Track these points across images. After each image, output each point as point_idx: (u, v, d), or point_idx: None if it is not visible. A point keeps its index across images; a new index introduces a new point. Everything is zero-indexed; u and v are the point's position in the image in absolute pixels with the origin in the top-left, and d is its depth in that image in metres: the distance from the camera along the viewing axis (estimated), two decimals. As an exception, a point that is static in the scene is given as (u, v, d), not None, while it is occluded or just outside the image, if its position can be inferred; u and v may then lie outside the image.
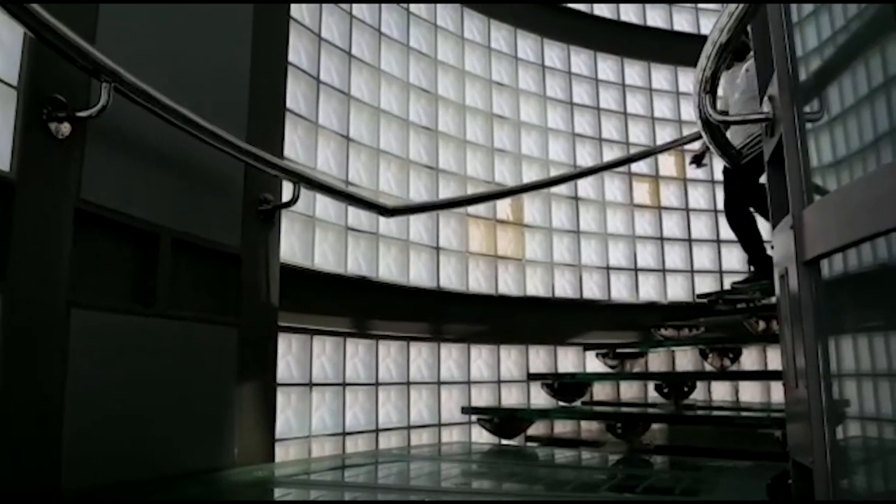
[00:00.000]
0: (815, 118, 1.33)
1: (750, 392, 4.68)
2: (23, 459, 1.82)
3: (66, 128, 2.01)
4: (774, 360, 4.66)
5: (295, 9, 3.48)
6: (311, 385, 3.39)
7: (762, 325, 4.08)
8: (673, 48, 5.58)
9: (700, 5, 5.88)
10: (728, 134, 4.25)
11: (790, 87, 1.34)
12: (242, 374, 2.75)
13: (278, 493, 2.44)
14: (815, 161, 1.31)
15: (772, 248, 1.71)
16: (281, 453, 3.08)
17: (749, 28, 1.69)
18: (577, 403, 4.07)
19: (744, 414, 3.52)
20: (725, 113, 3.76)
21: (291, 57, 3.41)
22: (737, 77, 4.32)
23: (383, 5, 4.23)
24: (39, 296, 1.92)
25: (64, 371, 1.97)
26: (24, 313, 1.84)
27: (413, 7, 4.44)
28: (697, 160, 4.82)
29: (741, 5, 1.45)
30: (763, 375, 4.39)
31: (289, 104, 3.35)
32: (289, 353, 3.27)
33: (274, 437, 2.97)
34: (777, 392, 4.38)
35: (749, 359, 4.63)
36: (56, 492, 1.91)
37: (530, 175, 4.89)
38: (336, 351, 3.57)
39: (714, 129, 1.79)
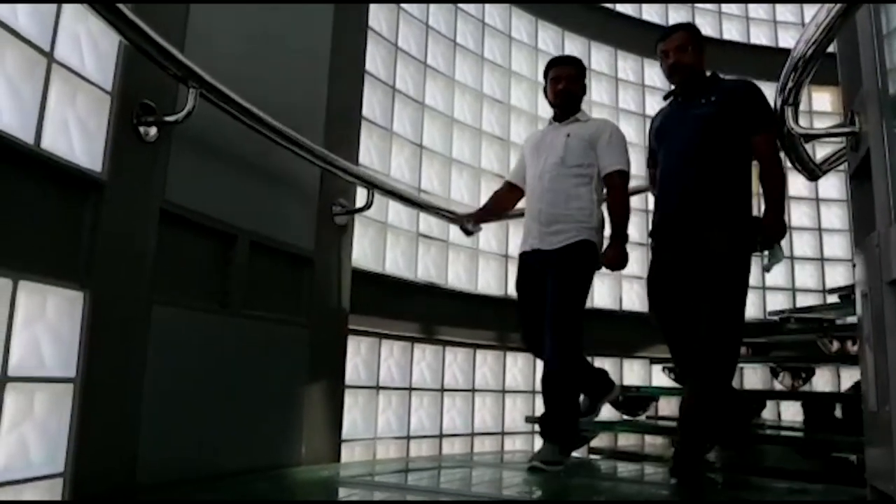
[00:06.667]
0: (906, 133, 1.29)
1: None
2: (102, 453, 1.89)
3: (153, 131, 2.10)
4: (848, 381, 4.51)
5: (373, 19, 3.55)
6: (378, 388, 3.43)
7: (836, 345, 3.95)
8: (747, 61, 5.47)
9: (778, 18, 5.77)
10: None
11: (879, 100, 1.31)
12: (312, 374, 2.81)
13: (343, 493, 2.48)
14: (905, 178, 1.28)
15: (853, 265, 1.67)
16: (347, 454, 3.13)
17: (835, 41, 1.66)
18: (642, 417, 4.02)
19: (816, 435, 3.41)
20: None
21: (368, 66, 3.48)
22: (554, 140, 3.06)
23: (460, 17, 4.27)
24: (124, 292, 2.01)
25: (143, 366, 2.04)
26: (108, 308, 1.93)
27: (488, 19, 4.48)
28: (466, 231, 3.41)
29: (829, 17, 1.43)
30: (837, 397, 4.25)
31: (365, 112, 3.42)
32: (357, 356, 3.32)
33: (340, 437, 3.03)
34: (850, 415, 4.23)
35: (821, 379, 4.50)
36: (131, 485, 1.98)
37: (601, 186, 4.85)
38: (403, 355, 3.62)
39: (795, 143, 1.77)
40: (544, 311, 2.87)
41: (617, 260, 2.92)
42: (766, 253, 2.50)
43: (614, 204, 2.97)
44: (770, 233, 2.49)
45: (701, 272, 2.51)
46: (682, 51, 2.72)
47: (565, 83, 3.11)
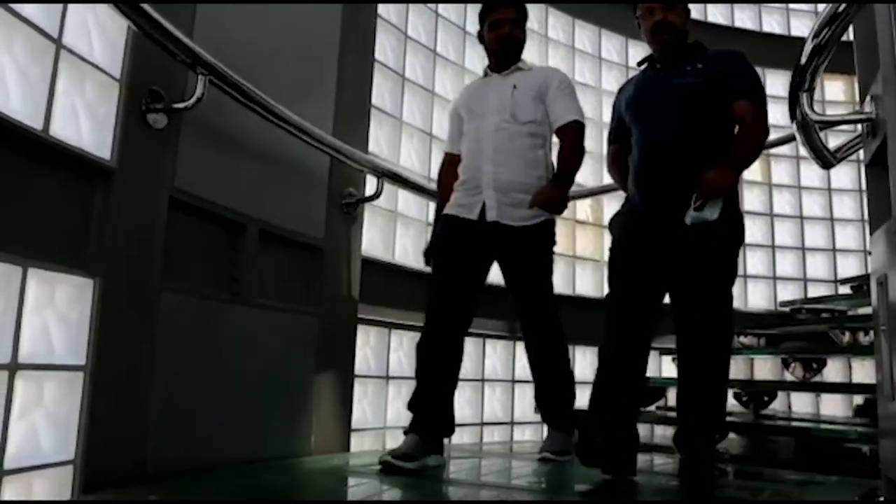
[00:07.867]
0: (924, 119, 1.27)
1: (832, 405, 4.52)
2: (112, 441, 1.89)
3: (162, 119, 2.09)
4: (859, 372, 4.48)
5: (382, 7, 3.54)
6: (387, 378, 3.43)
7: (848, 336, 3.93)
8: (760, 49, 5.42)
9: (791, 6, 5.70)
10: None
11: (897, 86, 1.29)
12: (322, 364, 2.81)
13: (352, 483, 2.48)
14: (923, 164, 1.26)
15: (868, 254, 1.65)
16: (356, 443, 3.13)
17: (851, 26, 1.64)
18: (652, 408, 4.00)
19: (827, 426, 3.39)
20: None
21: (378, 54, 3.47)
22: (498, 93, 2.74)
23: (469, 5, 4.24)
24: (133, 280, 2.01)
25: (152, 354, 2.04)
26: (118, 296, 1.93)
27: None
28: None
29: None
30: (849, 388, 4.22)
31: (374, 100, 3.41)
32: (367, 346, 3.32)
33: (350, 427, 3.03)
34: (862, 406, 4.20)
35: (832, 371, 4.46)
36: (141, 472, 1.99)
37: (611, 176, 4.84)
38: (413, 345, 3.60)
39: (810, 130, 1.74)
40: (472, 287, 2.71)
41: (558, 203, 2.60)
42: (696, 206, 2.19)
43: (567, 156, 2.66)
44: (709, 183, 2.19)
45: (690, 260, 2.35)
46: (669, 8, 2.45)
47: (509, 27, 2.76)
